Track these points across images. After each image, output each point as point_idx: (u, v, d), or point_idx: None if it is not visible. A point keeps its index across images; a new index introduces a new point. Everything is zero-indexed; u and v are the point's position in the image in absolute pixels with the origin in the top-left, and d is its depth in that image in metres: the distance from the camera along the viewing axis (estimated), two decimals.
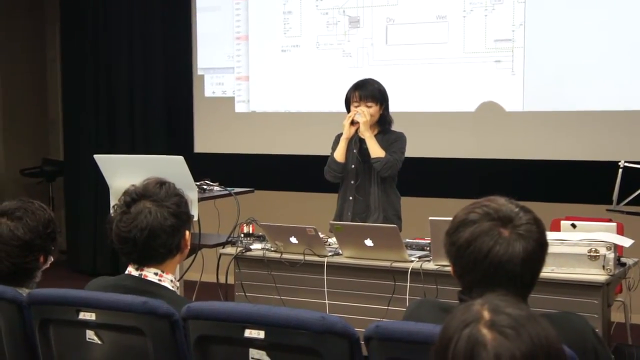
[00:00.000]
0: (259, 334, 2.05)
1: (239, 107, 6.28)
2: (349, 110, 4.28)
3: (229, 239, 4.12)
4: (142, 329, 2.19)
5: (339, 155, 4.28)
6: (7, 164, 7.38)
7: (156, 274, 2.35)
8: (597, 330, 2.34)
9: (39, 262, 2.61)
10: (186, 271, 4.16)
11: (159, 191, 2.33)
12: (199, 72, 6.43)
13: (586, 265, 3.36)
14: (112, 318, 2.25)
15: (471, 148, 5.58)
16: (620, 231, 3.90)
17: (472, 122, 5.54)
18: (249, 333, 2.05)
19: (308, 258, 3.83)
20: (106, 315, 2.25)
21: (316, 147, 5.27)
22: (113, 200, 3.90)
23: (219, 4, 6.29)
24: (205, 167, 4.78)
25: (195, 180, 4.10)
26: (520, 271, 1.80)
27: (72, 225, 7.17)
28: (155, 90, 6.73)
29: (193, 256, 3.99)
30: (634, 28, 5.06)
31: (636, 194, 3.95)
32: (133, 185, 2.37)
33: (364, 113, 4.18)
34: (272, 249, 3.96)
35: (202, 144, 6.51)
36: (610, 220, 3.78)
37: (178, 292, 2.44)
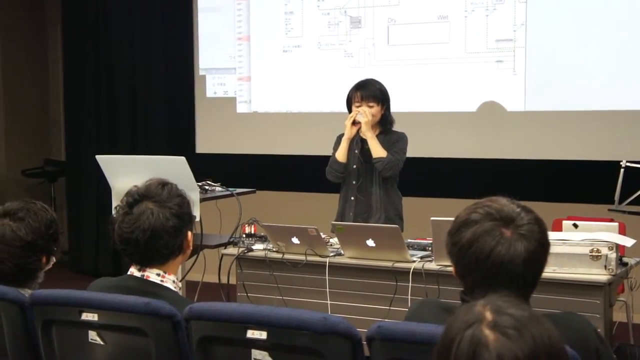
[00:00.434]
0: (261, 335, 2.05)
1: (241, 108, 6.28)
2: (350, 111, 4.28)
3: (231, 240, 4.12)
4: (145, 329, 2.20)
5: (341, 155, 4.28)
6: (9, 164, 7.38)
7: (158, 274, 2.35)
8: (599, 330, 2.33)
9: (42, 262, 2.61)
10: (188, 272, 4.16)
11: (161, 192, 2.33)
12: (201, 73, 6.44)
13: (588, 265, 3.36)
14: (114, 319, 2.25)
15: (473, 148, 5.58)
16: (622, 231, 3.90)
17: (474, 122, 5.54)
18: (251, 334, 2.05)
19: (310, 258, 3.83)
20: (109, 316, 2.25)
21: (318, 147, 5.27)
22: (115, 201, 3.91)
23: (220, 4, 6.29)
24: (207, 167, 4.78)
25: (197, 180, 4.09)
26: (522, 271, 1.80)
27: (74, 225, 7.17)
28: (157, 91, 6.73)
29: (195, 257, 3.99)
30: (635, 28, 5.06)
31: (638, 193, 3.95)
32: (135, 186, 2.37)
33: (366, 113, 4.18)
34: (274, 249, 3.96)
35: (204, 144, 6.51)
36: (612, 220, 3.79)
37: (180, 293, 2.44)
